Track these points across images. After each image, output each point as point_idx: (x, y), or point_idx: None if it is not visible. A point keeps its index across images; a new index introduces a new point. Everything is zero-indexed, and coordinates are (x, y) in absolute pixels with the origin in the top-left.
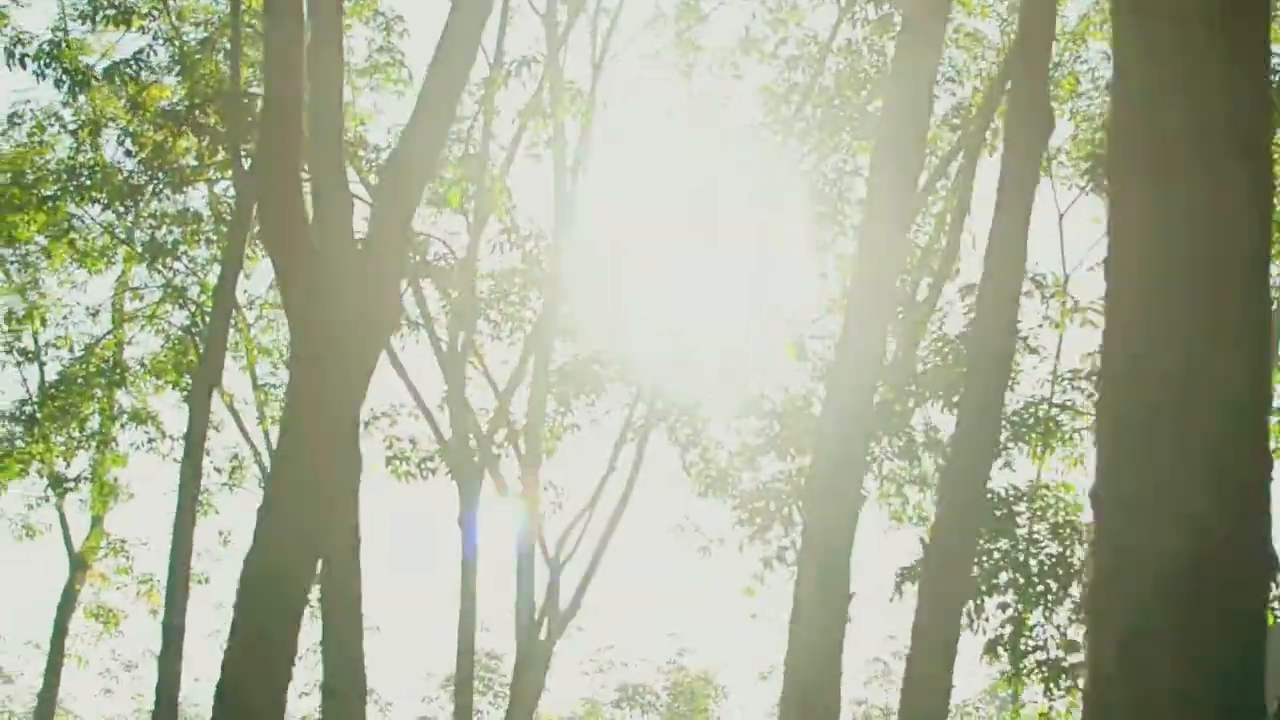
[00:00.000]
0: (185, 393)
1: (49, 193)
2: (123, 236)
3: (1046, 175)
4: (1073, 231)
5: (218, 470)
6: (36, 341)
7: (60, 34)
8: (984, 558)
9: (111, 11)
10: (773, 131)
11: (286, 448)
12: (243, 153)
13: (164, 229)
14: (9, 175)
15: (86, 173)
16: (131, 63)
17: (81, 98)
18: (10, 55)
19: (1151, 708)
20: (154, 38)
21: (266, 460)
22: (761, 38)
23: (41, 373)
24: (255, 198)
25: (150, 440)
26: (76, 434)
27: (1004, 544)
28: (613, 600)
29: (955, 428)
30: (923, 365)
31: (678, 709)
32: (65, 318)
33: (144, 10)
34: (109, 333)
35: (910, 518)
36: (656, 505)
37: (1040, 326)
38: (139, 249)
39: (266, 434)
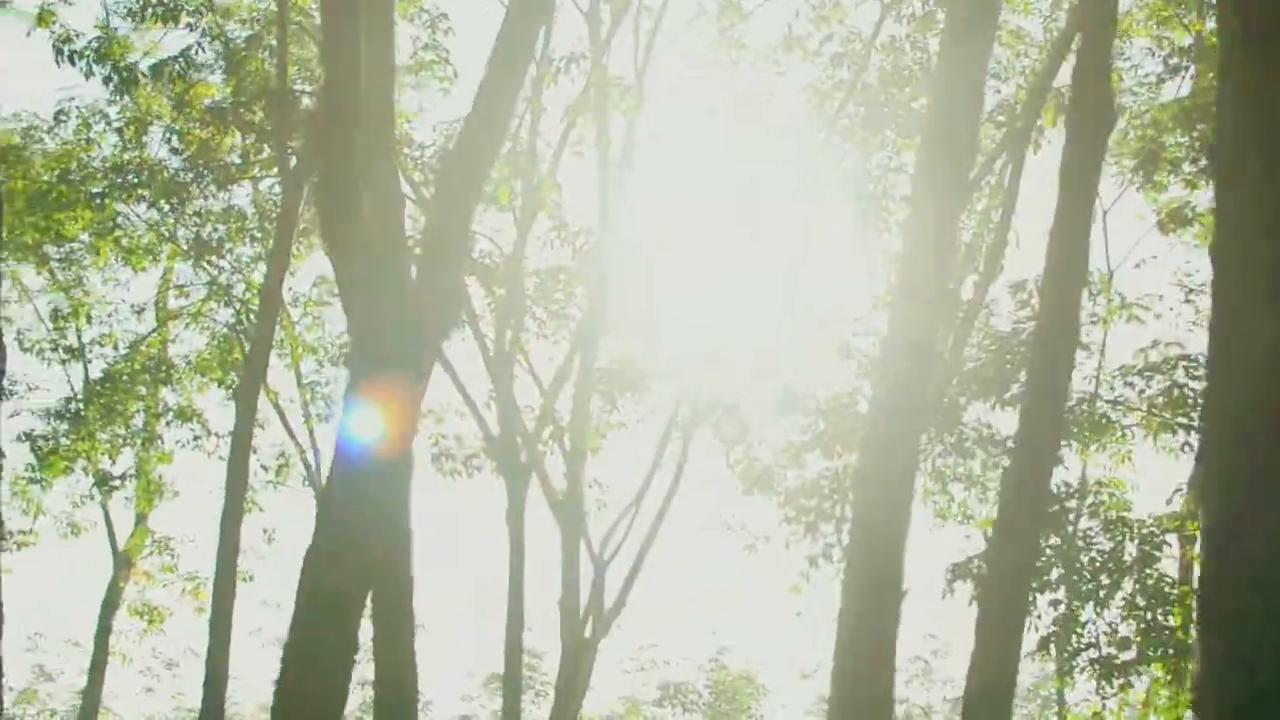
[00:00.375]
0: (230, 390)
1: (97, 190)
2: (167, 234)
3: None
4: (1117, 228)
5: (264, 468)
6: (80, 339)
7: (108, 31)
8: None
9: (160, 9)
10: (816, 128)
11: (347, 446)
12: (289, 150)
13: (209, 227)
14: (56, 173)
15: (133, 170)
16: (179, 60)
17: (127, 95)
18: (59, 53)
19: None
20: (202, 35)
21: (311, 458)
22: (804, 35)
23: (86, 371)
24: (302, 195)
25: (196, 438)
26: (121, 432)
27: (1055, 540)
28: (653, 598)
29: (1018, 424)
30: (972, 361)
31: (719, 707)
32: (110, 315)
33: (192, 7)
34: (154, 330)
35: (955, 515)
36: (698, 503)
37: (1093, 322)
38: (184, 246)
39: (311, 431)
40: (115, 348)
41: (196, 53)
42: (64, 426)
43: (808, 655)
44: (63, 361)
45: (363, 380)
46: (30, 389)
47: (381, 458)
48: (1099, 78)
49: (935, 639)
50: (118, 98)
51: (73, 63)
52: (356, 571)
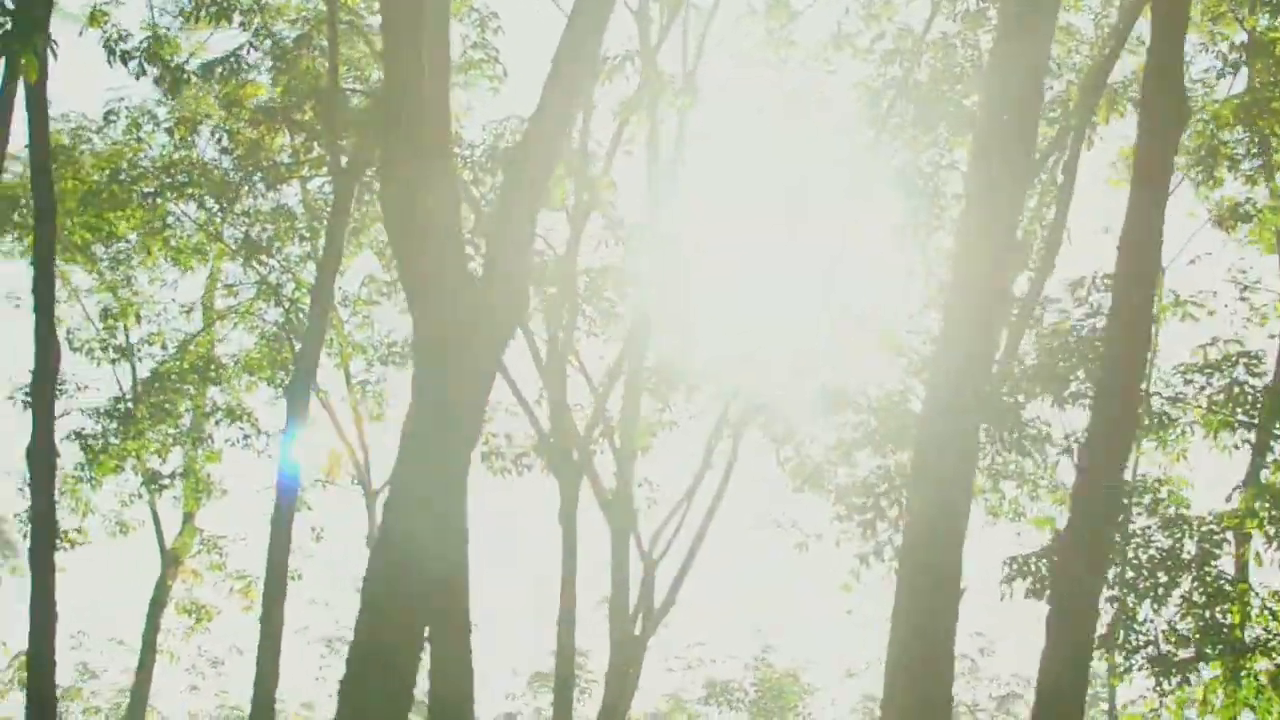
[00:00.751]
0: (279, 389)
1: (149, 190)
2: (215, 234)
3: None
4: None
5: (314, 467)
6: (128, 338)
7: (159, 31)
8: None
9: (214, 9)
10: (867, 126)
11: (412, 443)
12: (340, 149)
13: (257, 226)
14: (106, 173)
15: (184, 170)
16: (229, 60)
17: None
18: (111, 53)
19: None
20: (254, 34)
21: (361, 457)
22: (855, 33)
23: (134, 370)
24: (353, 194)
25: (245, 437)
26: (171, 431)
27: (1114, 537)
28: (701, 596)
29: (1090, 421)
30: (1030, 359)
31: (764, 705)
32: (159, 314)
33: (244, 6)
34: (203, 330)
35: (1006, 513)
36: (748, 501)
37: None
38: (232, 246)
39: (360, 430)
40: (163, 347)
41: (247, 52)
42: (114, 426)
43: (857, 654)
44: (112, 361)
45: (430, 376)
46: (80, 388)
47: (447, 453)
48: (1172, 74)
49: (982, 636)
50: (168, 98)
51: (124, 63)
52: (420, 568)
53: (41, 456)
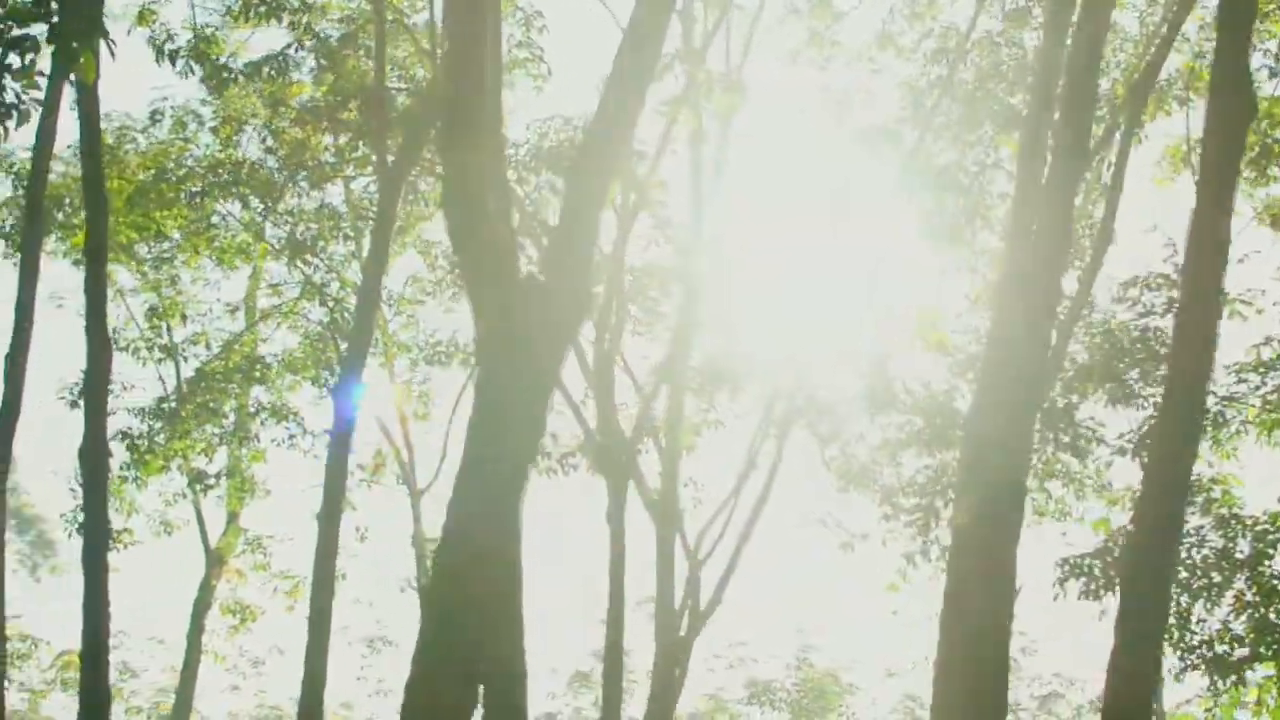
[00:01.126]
0: (323, 388)
1: (196, 189)
2: (258, 234)
3: (1187, 167)
4: None
5: (361, 467)
6: (171, 338)
7: (207, 30)
8: (1116, 546)
9: (263, 7)
10: (912, 125)
11: (476, 443)
12: (386, 149)
13: (301, 226)
14: (152, 172)
15: (230, 169)
16: (277, 60)
17: (221, 95)
18: (159, 52)
19: None
20: (304, 32)
21: (405, 456)
22: (898, 32)
23: (178, 370)
24: (399, 194)
25: (291, 436)
26: (217, 430)
27: None
28: (745, 595)
29: (1159, 421)
30: (1080, 359)
31: (806, 705)
32: (204, 314)
33: (294, 5)
34: (247, 329)
35: (1052, 513)
36: (793, 501)
37: None
38: (276, 245)
39: (405, 430)
40: (207, 346)
41: (296, 51)
42: (159, 425)
43: (900, 654)
44: (159, 361)
45: (492, 376)
46: (126, 388)
47: (509, 452)
48: (1240, 70)
49: (1024, 635)
50: (215, 96)
51: (172, 62)
52: (483, 567)
53: (94, 457)
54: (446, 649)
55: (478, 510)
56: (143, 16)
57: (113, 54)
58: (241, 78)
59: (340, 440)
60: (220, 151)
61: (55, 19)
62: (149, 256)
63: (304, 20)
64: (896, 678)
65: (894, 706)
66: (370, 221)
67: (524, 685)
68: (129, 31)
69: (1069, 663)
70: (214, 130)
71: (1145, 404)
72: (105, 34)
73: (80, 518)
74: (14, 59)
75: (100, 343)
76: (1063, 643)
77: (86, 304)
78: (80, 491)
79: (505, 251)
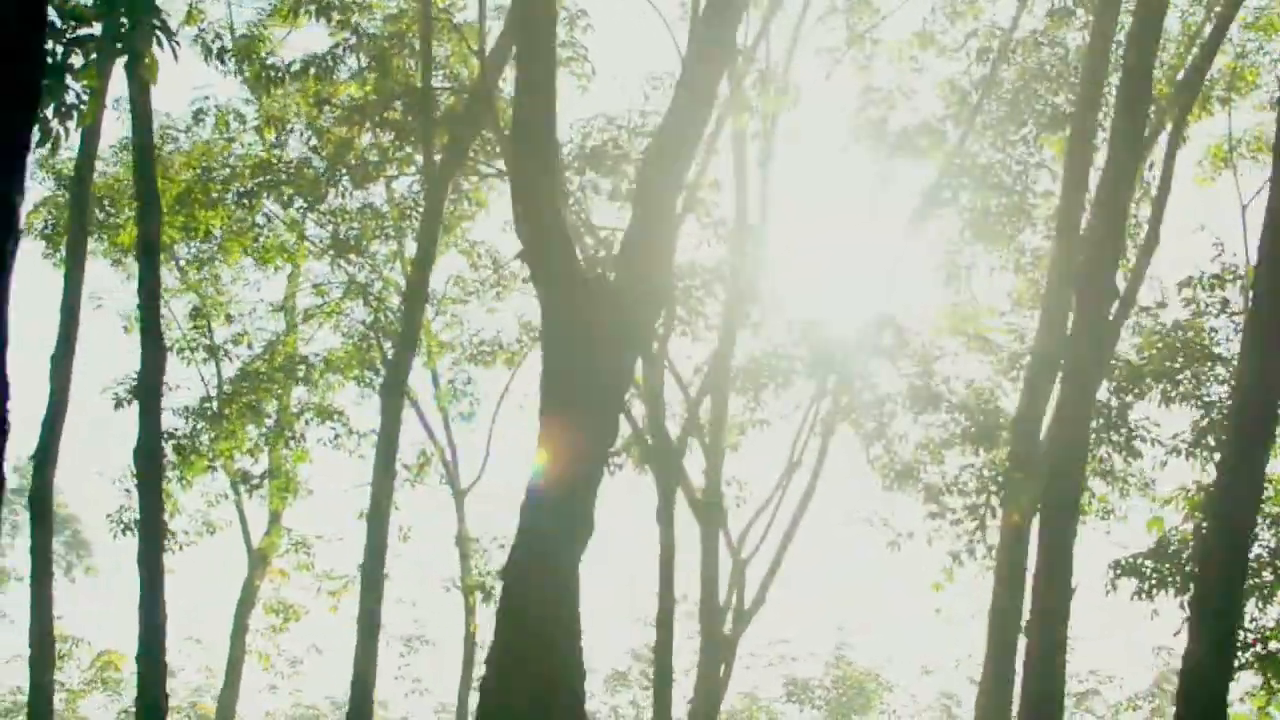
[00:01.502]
0: (366, 388)
1: (244, 189)
2: (301, 234)
3: (1228, 167)
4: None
5: (406, 467)
6: (212, 338)
7: (255, 30)
8: (1170, 545)
9: (313, 6)
10: (954, 124)
11: (555, 433)
12: (433, 149)
13: (345, 225)
14: (197, 171)
15: (280, 169)
16: (325, 58)
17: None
18: (207, 51)
19: None
20: (352, 30)
21: (449, 455)
22: (940, 31)
23: (219, 369)
24: (445, 193)
25: (336, 436)
26: (262, 430)
27: None
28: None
29: (1231, 421)
30: (1130, 359)
31: (844, 703)
32: (248, 314)
33: (344, 3)
34: (290, 329)
35: (1096, 512)
36: (837, 499)
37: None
38: (316, 245)
39: (448, 429)
40: (249, 346)
41: (342, 51)
42: (203, 425)
43: (944, 651)
44: (204, 361)
45: (562, 376)
46: (169, 388)
47: (583, 453)
48: None
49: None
50: (263, 96)
51: (221, 61)
52: (555, 567)
53: (151, 456)
54: (521, 649)
55: (551, 512)
56: (191, 15)
57: (176, 56)
58: (288, 77)
59: (387, 440)
60: (266, 151)
61: (123, 20)
62: (189, 257)
63: (353, 19)
64: (933, 675)
65: (929, 704)
66: (413, 221)
67: (583, 686)
68: (176, 31)
69: (1105, 660)
70: (258, 129)
71: (1199, 404)
72: (171, 34)
73: (126, 517)
74: (76, 59)
75: (155, 342)
76: (1100, 640)
77: (141, 304)
78: (135, 491)
79: (569, 250)
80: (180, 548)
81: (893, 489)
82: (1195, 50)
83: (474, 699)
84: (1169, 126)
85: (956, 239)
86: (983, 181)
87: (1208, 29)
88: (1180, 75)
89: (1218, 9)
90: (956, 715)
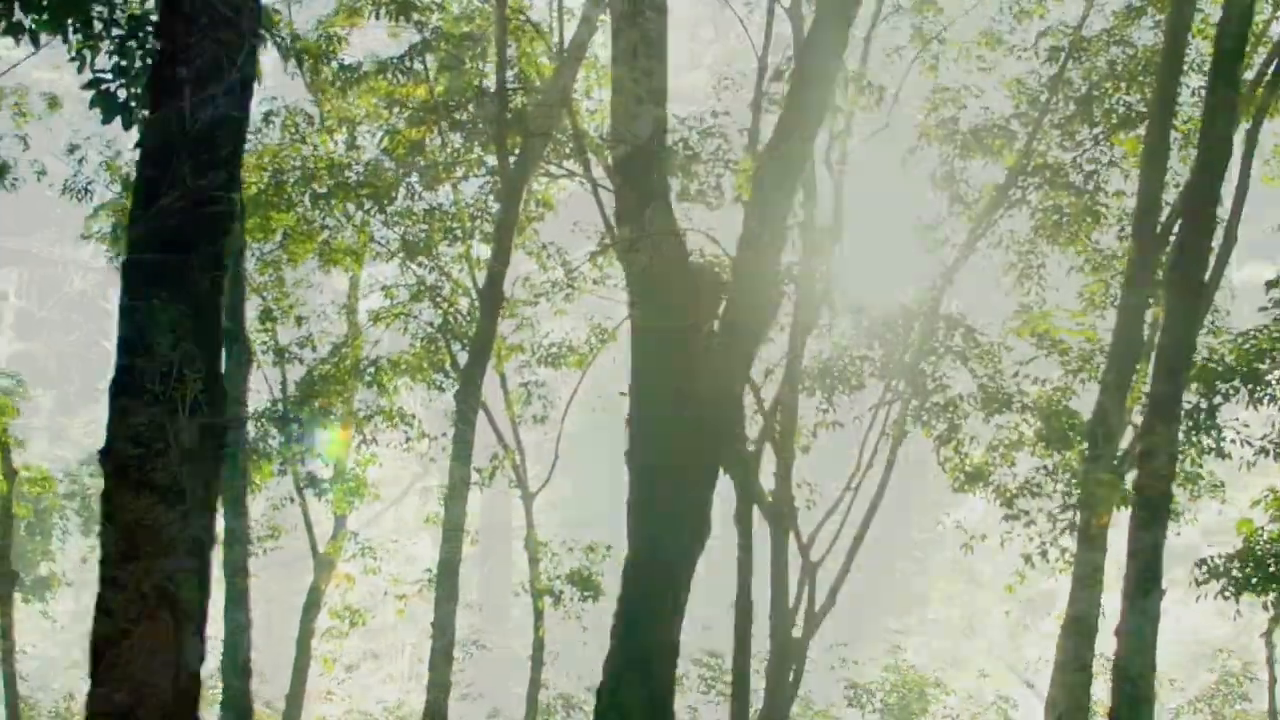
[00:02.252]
0: (435, 391)
1: (322, 190)
2: (369, 236)
3: None
4: None
5: (478, 471)
6: (278, 341)
7: (332, 31)
8: (1257, 546)
9: (393, 6)
10: (1023, 123)
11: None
12: (508, 151)
13: (415, 226)
14: (269, 173)
15: (358, 170)
16: (403, 59)
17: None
18: (285, 52)
19: None
20: (431, 32)
21: (519, 458)
22: (1007, 30)
23: (283, 373)
24: (520, 196)
25: (407, 439)
26: (331, 434)
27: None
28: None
29: None
30: (1215, 358)
31: (906, 706)
32: (317, 315)
33: (423, 4)
34: (360, 332)
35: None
36: (908, 501)
37: None
38: (384, 246)
39: (516, 432)
40: (313, 349)
41: (419, 50)
42: (273, 428)
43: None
44: (274, 363)
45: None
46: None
47: (693, 452)
48: None
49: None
50: (342, 96)
51: (299, 63)
52: (669, 569)
53: (234, 461)
54: (636, 651)
55: (667, 516)
56: (266, 16)
57: (286, 56)
58: (364, 78)
59: (463, 443)
60: (343, 152)
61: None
62: (257, 259)
63: (432, 19)
64: (988, 678)
65: (986, 705)
66: (480, 223)
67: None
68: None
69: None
70: (330, 131)
71: None
72: (271, 30)
73: None
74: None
75: (243, 350)
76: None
77: (227, 306)
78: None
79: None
80: (265, 552)
81: (964, 491)
82: (1266, 49)
83: (544, 699)
84: (1246, 125)
85: (1027, 239)
86: (1053, 181)
87: (1274, 28)
88: (1249, 75)
89: None
90: (1013, 718)
